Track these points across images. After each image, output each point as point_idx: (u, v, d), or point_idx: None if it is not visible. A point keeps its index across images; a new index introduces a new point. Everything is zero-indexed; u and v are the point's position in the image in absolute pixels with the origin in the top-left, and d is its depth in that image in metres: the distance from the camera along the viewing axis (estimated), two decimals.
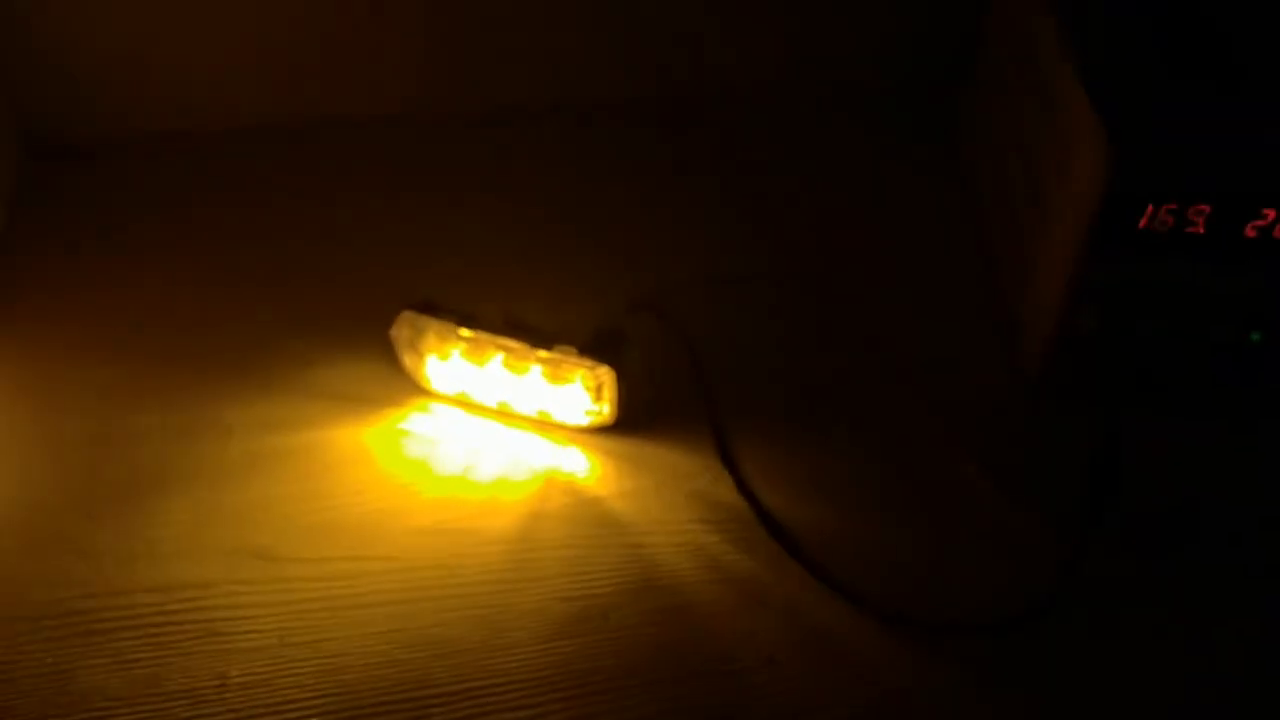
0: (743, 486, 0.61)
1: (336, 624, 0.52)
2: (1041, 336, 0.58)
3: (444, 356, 0.64)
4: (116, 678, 0.49)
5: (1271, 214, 0.48)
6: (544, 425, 0.66)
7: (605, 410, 0.64)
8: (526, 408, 0.65)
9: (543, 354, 0.62)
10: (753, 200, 0.77)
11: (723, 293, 0.70)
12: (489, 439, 0.65)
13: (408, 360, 0.65)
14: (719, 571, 0.57)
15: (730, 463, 0.62)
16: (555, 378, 0.63)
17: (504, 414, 0.66)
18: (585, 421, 0.65)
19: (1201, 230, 0.49)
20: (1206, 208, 0.48)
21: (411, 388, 0.66)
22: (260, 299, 0.70)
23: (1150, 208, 0.48)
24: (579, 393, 0.64)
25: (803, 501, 0.60)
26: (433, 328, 0.63)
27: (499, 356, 0.63)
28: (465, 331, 0.62)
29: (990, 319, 0.67)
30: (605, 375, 0.61)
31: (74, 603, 0.52)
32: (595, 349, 0.61)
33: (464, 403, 0.67)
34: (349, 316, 0.67)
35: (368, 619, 0.53)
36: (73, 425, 0.61)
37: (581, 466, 0.64)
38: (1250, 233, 0.48)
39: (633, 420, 0.64)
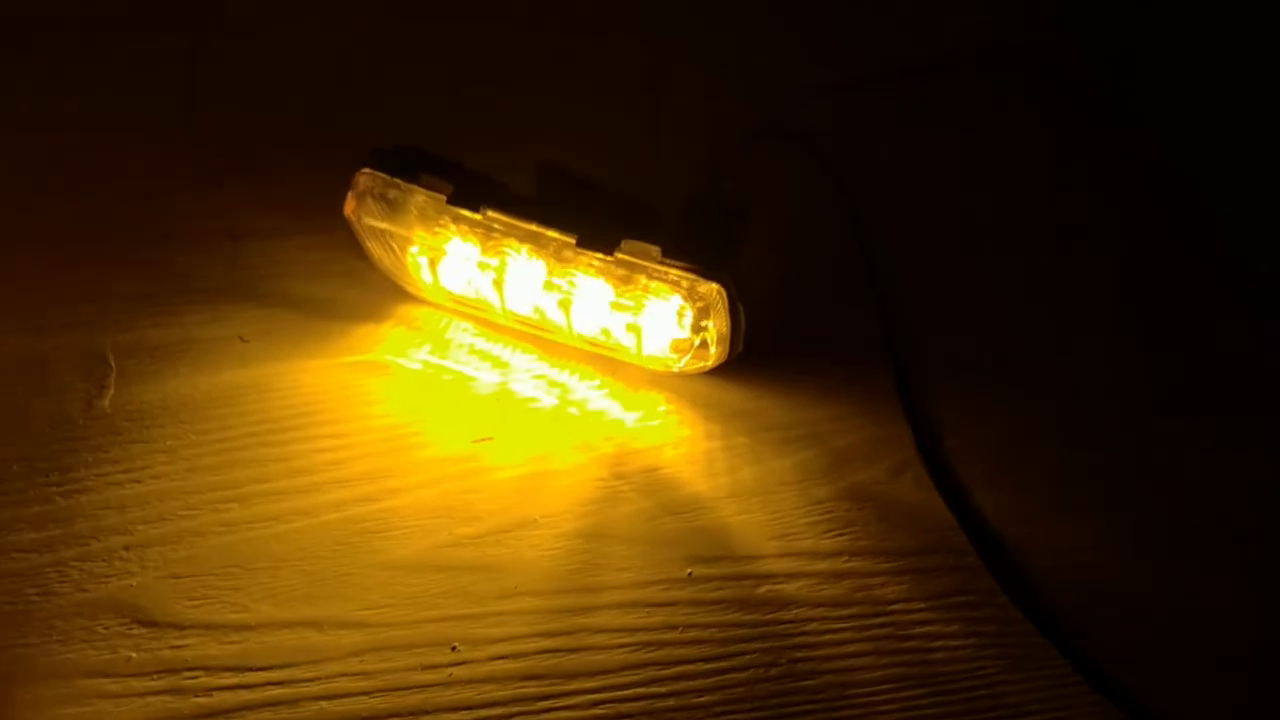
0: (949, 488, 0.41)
1: None
2: None
3: (434, 252, 0.47)
4: None
5: None
6: (607, 359, 0.46)
7: (710, 347, 0.44)
8: (582, 327, 0.46)
9: (599, 260, 0.43)
10: None
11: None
12: (516, 380, 0.46)
13: (377, 252, 0.48)
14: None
15: (925, 439, 0.42)
16: (627, 291, 0.44)
17: (541, 335, 0.48)
18: (675, 359, 0.45)
19: None
20: None
21: (390, 290, 0.49)
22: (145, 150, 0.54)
23: None
24: (665, 316, 0.44)
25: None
26: (414, 204, 0.45)
27: (532, 261, 0.45)
28: (468, 214, 0.45)
29: None
30: (711, 294, 0.43)
31: None
32: (693, 242, 0.42)
33: (476, 313, 0.48)
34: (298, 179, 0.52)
35: None
36: None
37: (668, 436, 0.44)
38: None
39: (751, 355, 0.44)
